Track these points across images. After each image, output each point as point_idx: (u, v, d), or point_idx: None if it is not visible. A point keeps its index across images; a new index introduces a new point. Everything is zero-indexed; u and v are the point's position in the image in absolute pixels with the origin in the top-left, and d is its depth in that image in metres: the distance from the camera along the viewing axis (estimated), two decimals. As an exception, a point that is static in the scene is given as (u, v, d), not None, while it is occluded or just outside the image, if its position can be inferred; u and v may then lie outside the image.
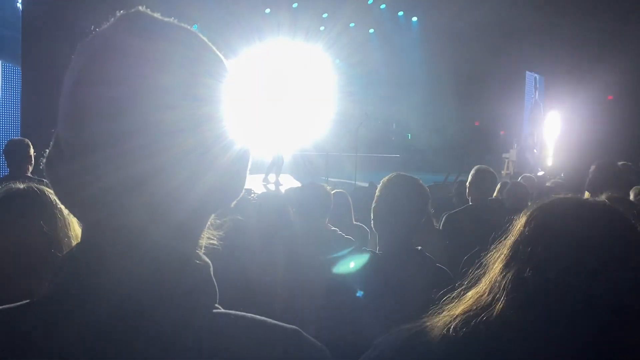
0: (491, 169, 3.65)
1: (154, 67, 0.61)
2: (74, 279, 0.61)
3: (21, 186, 1.30)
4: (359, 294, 1.84)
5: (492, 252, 1.00)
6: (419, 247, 1.95)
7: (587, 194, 3.79)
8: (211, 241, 0.72)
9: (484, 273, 0.99)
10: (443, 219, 3.67)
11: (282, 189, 8.71)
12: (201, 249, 0.69)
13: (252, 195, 7.99)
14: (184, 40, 0.65)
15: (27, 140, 4.25)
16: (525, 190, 3.92)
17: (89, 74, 0.61)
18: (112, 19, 0.64)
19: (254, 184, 9.11)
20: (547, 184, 5.07)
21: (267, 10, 15.21)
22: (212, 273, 0.66)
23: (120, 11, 0.64)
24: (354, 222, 3.57)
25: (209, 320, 0.63)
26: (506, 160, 14.82)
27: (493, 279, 0.96)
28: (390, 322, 1.69)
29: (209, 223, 0.70)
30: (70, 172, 0.61)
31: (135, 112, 0.59)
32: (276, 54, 15.89)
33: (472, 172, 3.58)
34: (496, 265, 0.97)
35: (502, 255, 0.97)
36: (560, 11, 14.49)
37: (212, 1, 13.84)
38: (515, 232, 0.98)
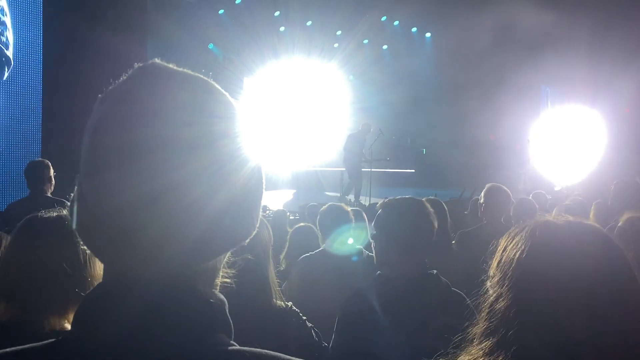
0: (504, 187, 3.63)
1: (168, 86, 0.66)
2: (92, 321, 0.64)
3: (54, 214, 1.35)
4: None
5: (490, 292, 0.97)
6: (435, 271, 1.94)
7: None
8: (225, 279, 0.74)
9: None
10: (456, 237, 3.66)
11: (298, 205, 8.73)
12: (217, 287, 0.71)
13: (267, 212, 8.04)
14: (196, 76, 0.69)
15: (47, 161, 4.37)
16: (533, 206, 3.88)
17: (112, 93, 0.65)
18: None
19: (269, 200, 9.14)
20: (566, 202, 4.97)
21: (282, 29, 15.39)
22: (227, 311, 0.69)
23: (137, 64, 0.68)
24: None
25: (223, 358, 0.65)
26: (522, 174, 14.67)
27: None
28: (409, 348, 1.69)
29: (224, 261, 0.72)
30: (90, 212, 0.64)
31: (150, 128, 0.62)
32: (291, 72, 16.03)
33: (485, 190, 3.56)
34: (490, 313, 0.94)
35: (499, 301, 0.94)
36: (576, 25, 14.43)
37: (228, 20, 14.07)
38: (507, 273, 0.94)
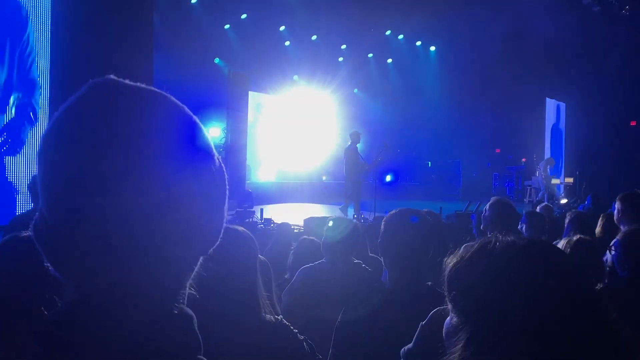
0: (508, 201, 3.61)
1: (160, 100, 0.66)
2: (61, 340, 0.63)
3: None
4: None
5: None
6: (429, 283, 1.94)
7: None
8: (190, 291, 0.73)
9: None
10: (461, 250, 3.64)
11: (301, 218, 8.72)
12: (184, 299, 0.70)
13: (272, 225, 8.01)
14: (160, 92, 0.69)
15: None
16: (542, 218, 3.88)
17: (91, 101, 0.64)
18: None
19: (273, 213, 9.12)
20: (570, 215, 4.96)
21: (287, 43, 15.51)
22: (195, 325, 0.68)
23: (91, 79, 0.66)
24: (370, 254, 3.57)
25: None
26: (529, 187, 14.65)
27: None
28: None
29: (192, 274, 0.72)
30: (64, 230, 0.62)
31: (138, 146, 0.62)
32: (295, 86, 16.13)
33: (488, 204, 3.54)
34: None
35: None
36: (581, 37, 14.46)
37: (232, 34, 14.20)
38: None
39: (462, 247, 0.99)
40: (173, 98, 0.69)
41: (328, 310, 2.06)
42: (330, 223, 3.04)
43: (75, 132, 0.62)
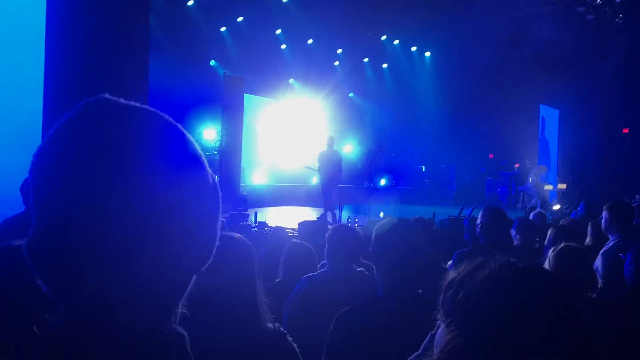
0: (501, 208, 3.63)
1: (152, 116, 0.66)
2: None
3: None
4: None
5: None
6: (420, 291, 1.96)
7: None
8: (182, 310, 0.72)
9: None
10: (453, 257, 3.66)
11: (295, 222, 8.72)
12: (177, 318, 0.70)
13: (266, 228, 8.00)
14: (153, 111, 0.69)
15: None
16: (533, 225, 3.92)
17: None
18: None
19: (267, 216, 9.12)
20: (561, 222, 5.02)
21: (283, 46, 15.53)
22: (187, 345, 0.68)
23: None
24: (362, 261, 3.57)
25: None
26: (522, 193, 14.72)
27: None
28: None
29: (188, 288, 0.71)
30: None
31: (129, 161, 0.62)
32: (291, 90, 16.14)
33: (481, 212, 3.56)
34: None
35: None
36: (575, 45, 14.56)
37: (229, 37, 14.20)
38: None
39: (464, 263, 1.04)
40: (167, 116, 0.68)
41: (328, 317, 2.07)
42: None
43: (68, 151, 0.62)
